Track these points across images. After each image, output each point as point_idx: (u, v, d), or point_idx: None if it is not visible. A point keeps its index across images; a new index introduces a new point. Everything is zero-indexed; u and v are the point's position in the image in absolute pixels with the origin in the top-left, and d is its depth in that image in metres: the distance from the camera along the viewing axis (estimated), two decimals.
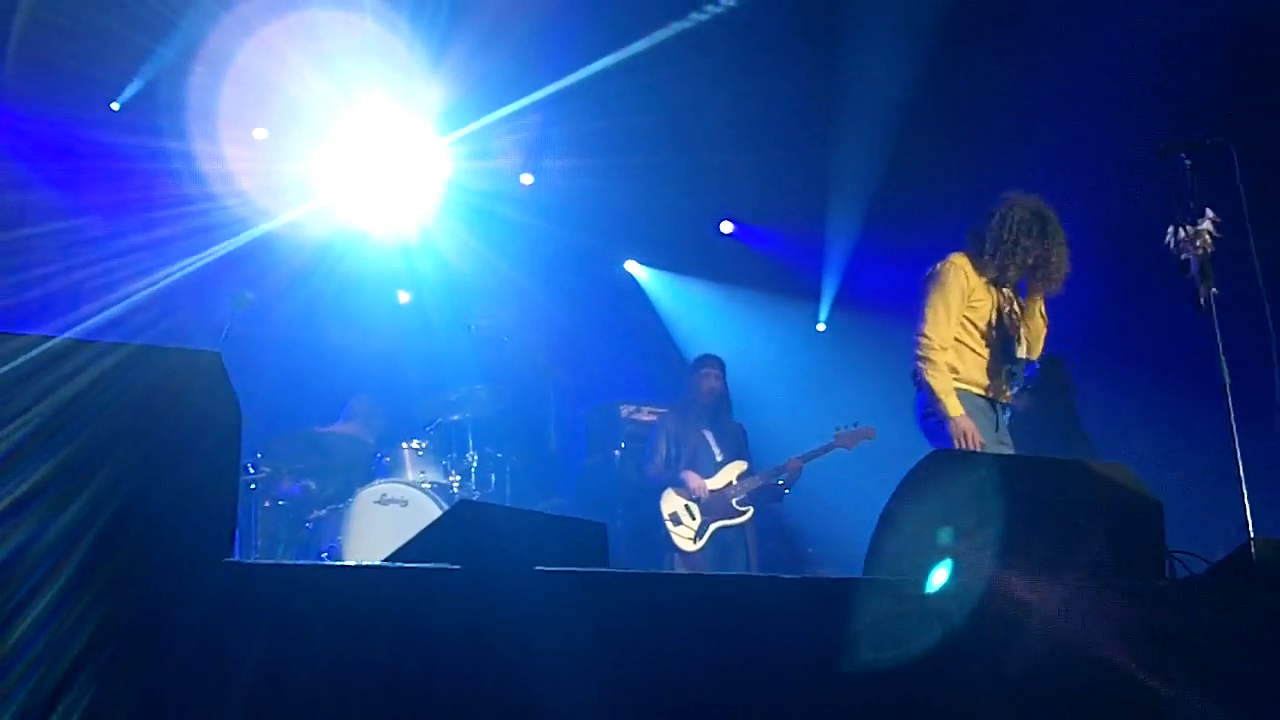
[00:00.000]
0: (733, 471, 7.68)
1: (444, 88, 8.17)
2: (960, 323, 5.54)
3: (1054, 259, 5.51)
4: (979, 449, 5.28)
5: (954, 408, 5.37)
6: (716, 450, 7.74)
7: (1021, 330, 5.57)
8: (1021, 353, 5.55)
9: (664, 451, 7.74)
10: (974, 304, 5.55)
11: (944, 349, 5.49)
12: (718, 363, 7.89)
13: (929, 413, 5.48)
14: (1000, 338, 5.56)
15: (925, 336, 5.50)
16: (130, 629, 2.31)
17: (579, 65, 8.05)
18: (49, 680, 2.20)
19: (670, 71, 8.08)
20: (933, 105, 8.27)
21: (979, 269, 5.58)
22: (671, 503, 7.56)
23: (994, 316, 5.57)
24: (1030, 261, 5.51)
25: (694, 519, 7.51)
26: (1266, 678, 3.20)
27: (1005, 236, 5.50)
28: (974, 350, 5.57)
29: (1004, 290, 5.60)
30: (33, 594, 2.23)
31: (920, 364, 5.53)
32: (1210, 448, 6.98)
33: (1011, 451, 5.56)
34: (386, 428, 8.06)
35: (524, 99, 8.26)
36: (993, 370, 5.58)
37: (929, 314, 5.53)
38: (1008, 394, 5.65)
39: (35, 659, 2.19)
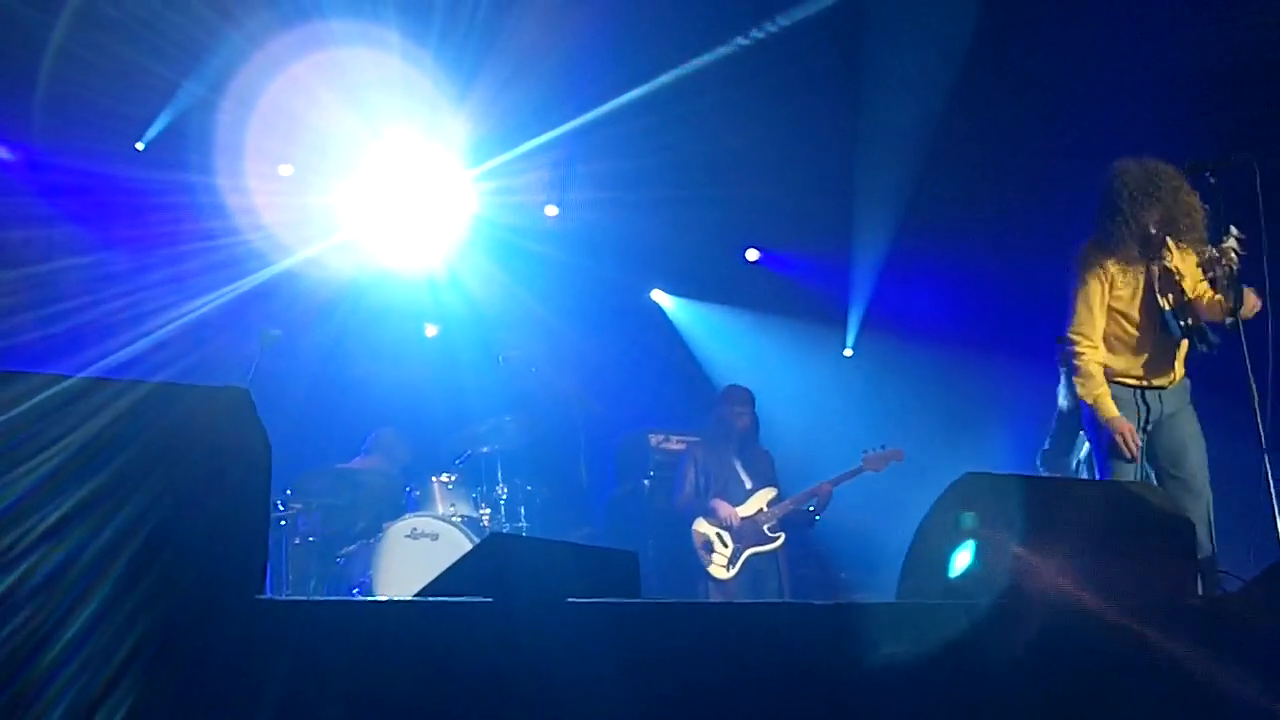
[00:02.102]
0: (763, 498, 7.67)
1: (469, 122, 8.21)
2: (1107, 314, 5.32)
3: (1180, 209, 5.12)
4: (1136, 448, 5.13)
5: (1106, 410, 5.19)
6: (745, 478, 7.73)
7: (1179, 296, 5.23)
8: (1179, 324, 5.20)
9: (693, 480, 7.74)
10: (1117, 290, 5.31)
11: (1094, 347, 5.31)
12: (747, 398, 7.89)
13: (1089, 419, 5.34)
14: (1150, 314, 5.27)
15: (1068, 337, 5.36)
16: (161, 665, 2.30)
17: (604, 98, 8.08)
18: (79, 713, 2.20)
19: (693, 103, 8.10)
20: (958, 132, 8.26)
21: (1112, 250, 5.27)
22: (703, 531, 7.55)
23: (1143, 294, 5.28)
24: (1157, 219, 5.15)
25: (726, 546, 7.50)
26: None
27: (1121, 205, 5.19)
28: (1123, 339, 5.35)
29: (1152, 263, 5.27)
30: (60, 627, 2.23)
31: (1068, 369, 5.42)
32: (1238, 464, 6.93)
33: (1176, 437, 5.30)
34: (410, 460, 8.06)
35: (548, 133, 8.30)
36: (1148, 353, 5.31)
37: (1073, 313, 5.35)
38: (1175, 372, 5.35)
39: (62, 692, 2.19)
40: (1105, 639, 3.08)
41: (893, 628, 2.99)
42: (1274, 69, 7.09)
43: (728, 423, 7.83)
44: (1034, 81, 7.95)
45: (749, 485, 7.70)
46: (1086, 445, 6.62)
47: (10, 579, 2.21)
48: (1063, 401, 6.86)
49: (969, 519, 3.11)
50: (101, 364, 7.24)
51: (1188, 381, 5.45)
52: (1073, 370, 5.34)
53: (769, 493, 7.70)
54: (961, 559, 3.04)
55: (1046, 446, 6.88)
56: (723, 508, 7.53)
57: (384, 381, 8.78)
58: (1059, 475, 6.65)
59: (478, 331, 8.90)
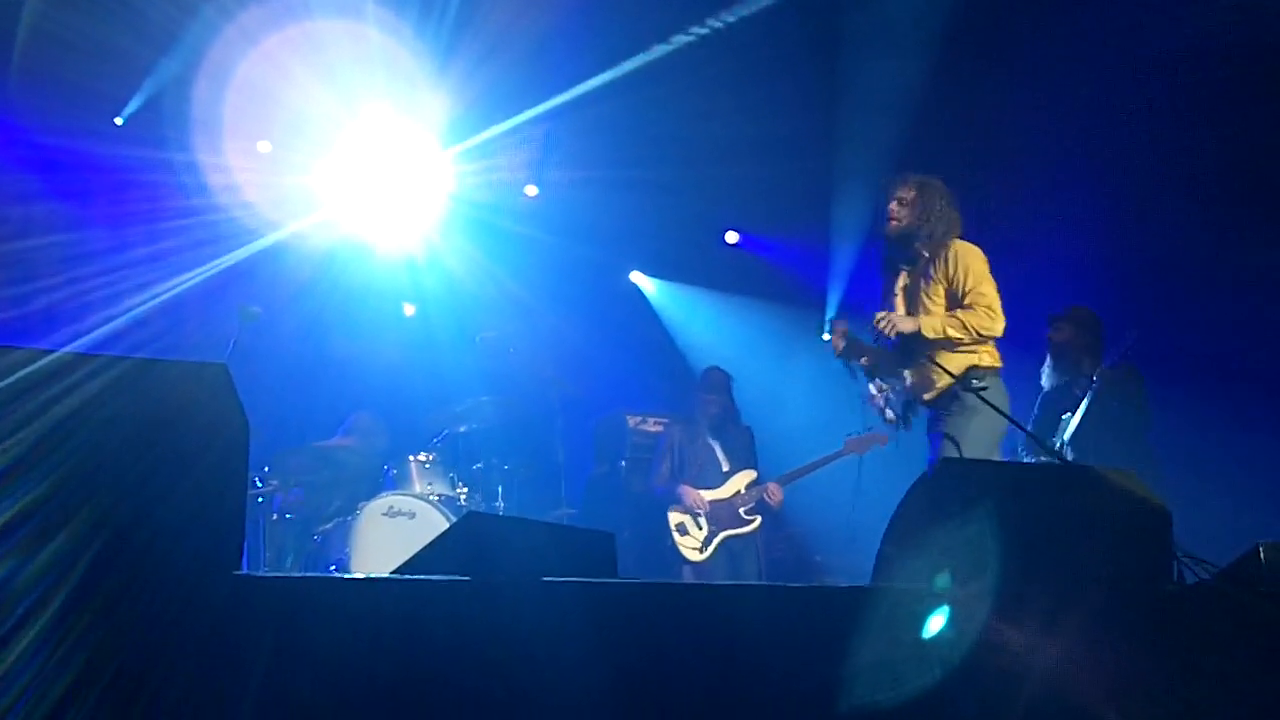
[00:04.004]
0: (741, 481, 7.68)
1: (448, 99, 8.18)
2: None
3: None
4: None
5: None
6: (724, 460, 7.74)
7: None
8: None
9: (669, 462, 7.75)
10: None
11: None
12: (720, 383, 7.89)
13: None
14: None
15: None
16: (138, 641, 2.31)
17: (584, 77, 8.05)
18: (54, 692, 2.20)
19: (674, 84, 8.07)
20: (937, 114, 8.26)
21: None
22: (677, 514, 7.57)
23: None
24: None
25: (700, 529, 7.52)
26: (1275, 683, 3.19)
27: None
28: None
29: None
30: (38, 606, 2.23)
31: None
32: (1214, 453, 6.98)
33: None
34: (386, 444, 8.05)
35: (528, 111, 8.27)
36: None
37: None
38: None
39: (40, 672, 2.19)
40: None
41: (867, 612, 3.01)
42: (1256, 46, 7.12)
43: (699, 408, 7.86)
44: (1014, 62, 7.95)
45: (726, 467, 7.72)
46: (1072, 426, 6.67)
47: None
48: (1046, 381, 6.91)
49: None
50: (80, 341, 7.20)
51: None
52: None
53: (747, 475, 7.71)
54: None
55: (1030, 429, 6.90)
56: (689, 494, 7.56)
57: (362, 360, 8.75)
58: (1040, 459, 6.68)
59: (456, 311, 8.89)
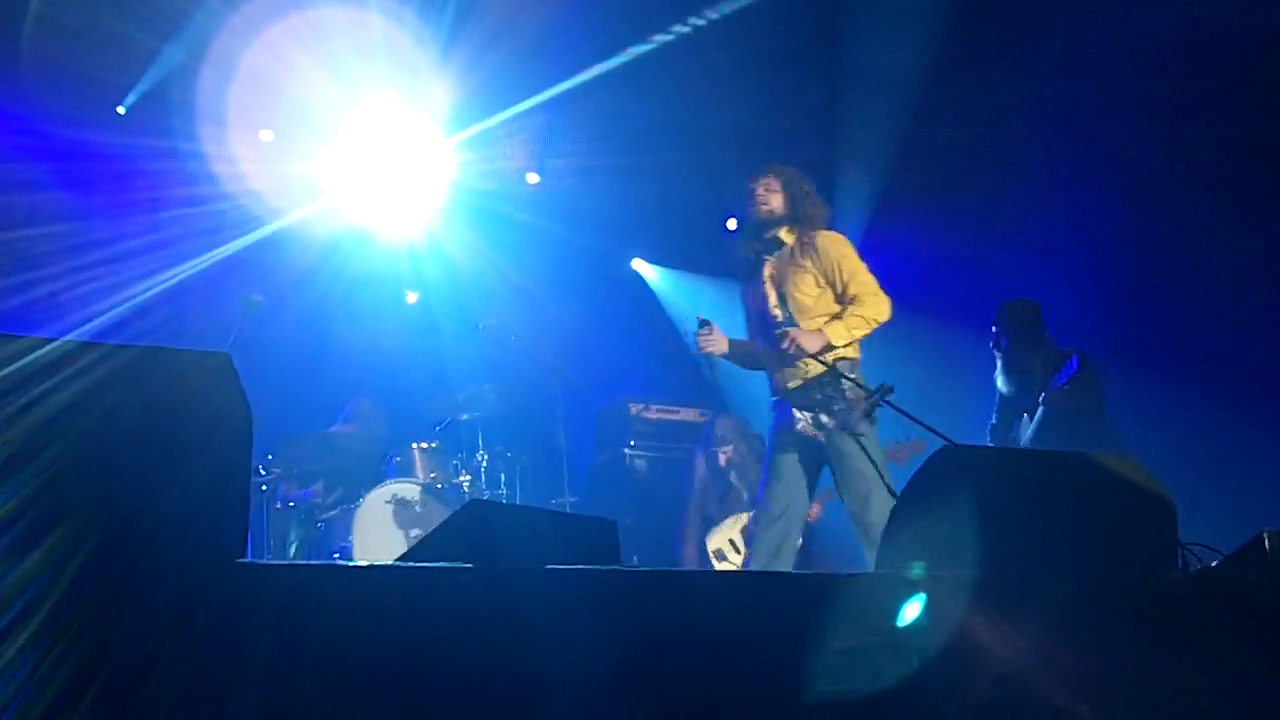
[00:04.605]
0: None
1: (450, 87, 8.17)
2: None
3: None
4: None
5: None
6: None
7: None
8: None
9: (702, 483, 7.79)
10: None
11: None
12: (735, 431, 7.91)
13: None
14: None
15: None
16: (140, 630, 2.31)
17: (586, 65, 8.04)
18: (55, 685, 2.21)
19: (675, 71, 8.08)
20: (940, 100, 8.26)
21: None
22: (716, 539, 7.56)
23: None
24: None
25: (739, 554, 7.49)
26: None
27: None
28: None
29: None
30: (39, 597, 2.23)
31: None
32: (1218, 440, 6.97)
33: None
34: (386, 431, 8.06)
35: (530, 99, 8.26)
36: None
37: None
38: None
39: (40, 664, 2.19)
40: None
41: (867, 598, 3.02)
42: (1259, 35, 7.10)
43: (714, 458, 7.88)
44: (1018, 50, 7.94)
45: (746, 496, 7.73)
46: (1028, 433, 6.63)
47: None
48: (1001, 387, 6.85)
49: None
50: (83, 330, 7.21)
51: None
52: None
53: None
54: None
55: (994, 422, 6.90)
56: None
57: (364, 348, 8.77)
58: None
59: (457, 299, 8.89)
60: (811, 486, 5.69)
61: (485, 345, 8.19)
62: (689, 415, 8.80)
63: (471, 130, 8.52)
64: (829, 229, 5.82)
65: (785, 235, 5.73)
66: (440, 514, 6.78)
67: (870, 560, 5.15)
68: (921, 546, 3.34)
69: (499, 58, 7.77)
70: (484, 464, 7.67)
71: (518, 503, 7.48)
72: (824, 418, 5.51)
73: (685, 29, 7.77)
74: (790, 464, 5.61)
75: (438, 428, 7.74)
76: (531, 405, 8.32)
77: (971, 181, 8.79)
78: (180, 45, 7.59)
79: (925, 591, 3.01)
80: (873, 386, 5.37)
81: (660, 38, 7.79)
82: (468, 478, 7.49)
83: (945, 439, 4.53)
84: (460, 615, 2.62)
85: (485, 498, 7.39)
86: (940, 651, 2.98)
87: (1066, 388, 6.31)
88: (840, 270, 5.60)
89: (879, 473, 5.37)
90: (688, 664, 2.80)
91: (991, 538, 3.20)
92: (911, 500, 3.48)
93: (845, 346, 5.54)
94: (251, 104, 7.99)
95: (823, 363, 5.46)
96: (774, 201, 5.76)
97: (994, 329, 6.77)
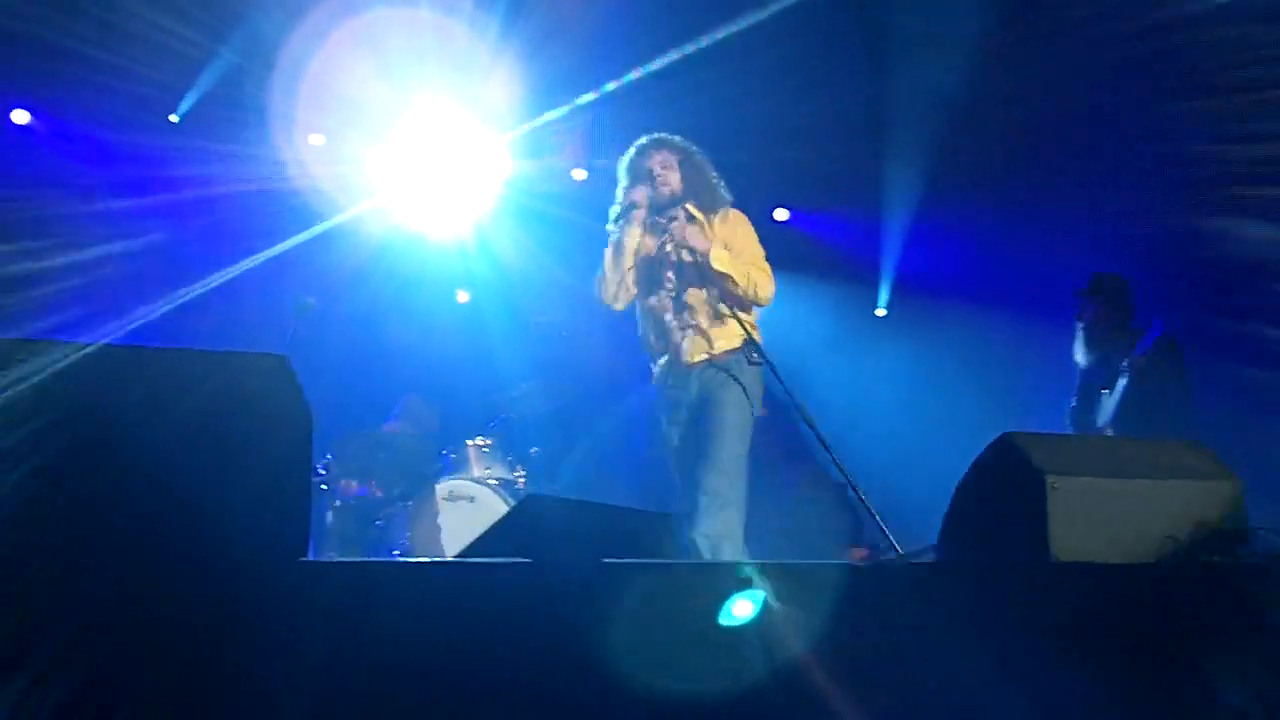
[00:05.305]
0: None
1: (501, 86, 8.19)
2: None
3: None
4: None
5: None
6: None
7: None
8: None
9: None
10: None
11: None
12: None
13: None
14: None
15: None
16: (207, 628, 2.34)
17: (633, 64, 8.04)
18: (125, 679, 2.24)
19: (721, 68, 8.02)
20: (989, 88, 8.18)
21: None
22: None
23: None
24: None
25: None
26: None
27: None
28: None
29: None
30: (106, 595, 2.26)
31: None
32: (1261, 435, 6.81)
33: None
34: (436, 427, 8.10)
35: (578, 98, 8.26)
36: None
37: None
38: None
39: (111, 653, 2.23)
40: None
41: (931, 586, 3.00)
42: None
43: None
44: (1066, 31, 7.85)
45: None
46: (1110, 408, 6.57)
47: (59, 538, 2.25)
48: (1080, 359, 6.79)
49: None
50: (143, 335, 7.32)
51: None
52: None
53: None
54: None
55: (1074, 404, 6.81)
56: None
57: (416, 346, 8.82)
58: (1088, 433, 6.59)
59: (508, 297, 8.91)
60: None
61: (537, 342, 8.21)
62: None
63: (521, 129, 8.53)
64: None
65: (692, 210, 5.62)
66: (496, 510, 6.81)
67: None
68: (982, 534, 3.32)
69: (550, 56, 7.79)
70: (538, 459, 7.70)
71: (572, 497, 7.49)
72: None
73: (732, 28, 7.74)
74: None
75: (491, 424, 7.77)
76: (584, 400, 8.33)
77: (1019, 164, 8.71)
78: (234, 49, 7.67)
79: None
80: None
81: (707, 37, 7.76)
82: (523, 473, 7.52)
83: None
84: (520, 610, 2.63)
85: (540, 493, 7.42)
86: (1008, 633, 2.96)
87: (1151, 352, 6.25)
88: (745, 242, 5.57)
89: None
90: (743, 655, 2.79)
91: (1055, 525, 3.18)
92: (973, 487, 3.45)
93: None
94: (304, 107, 8.06)
95: (745, 328, 5.41)
96: (674, 181, 5.64)
97: (1079, 300, 6.70)
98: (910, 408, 8.39)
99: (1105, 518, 3.26)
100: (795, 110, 8.57)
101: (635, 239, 5.51)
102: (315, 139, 8.54)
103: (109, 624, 2.25)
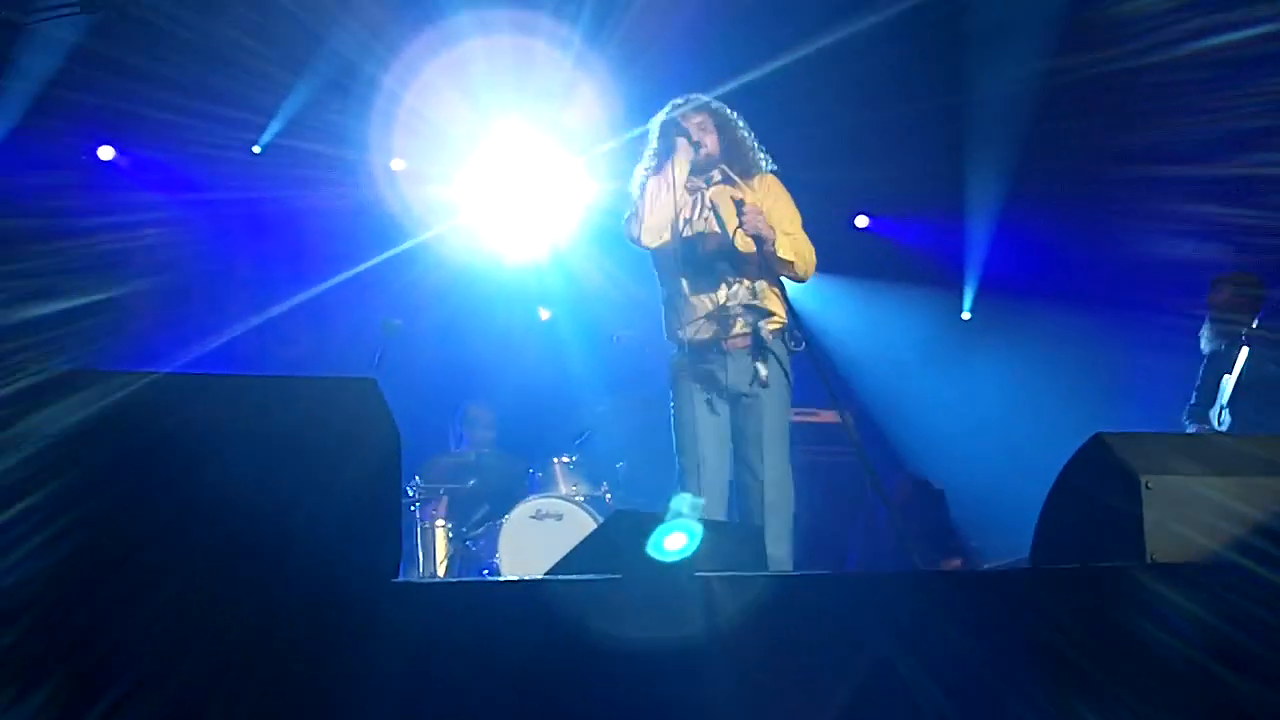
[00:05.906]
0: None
1: (579, 109, 8.25)
2: None
3: None
4: None
5: None
6: None
7: None
8: None
9: None
10: None
11: None
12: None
13: None
14: None
15: None
16: (300, 654, 2.37)
17: (713, 83, 8.05)
18: (218, 694, 2.27)
19: (801, 85, 8.00)
20: (1070, 87, 8.06)
21: None
22: None
23: None
24: None
25: None
26: None
27: None
28: None
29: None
30: (207, 612, 2.30)
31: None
32: None
33: None
34: (494, 434, 8.13)
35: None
36: None
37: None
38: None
39: (203, 672, 2.26)
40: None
41: (1030, 595, 2.94)
42: None
43: None
44: (1145, 33, 7.71)
45: None
46: (1228, 389, 6.45)
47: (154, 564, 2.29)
48: (1204, 345, 6.70)
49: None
50: (228, 364, 7.47)
51: None
52: None
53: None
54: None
55: (1193, 400, 6.72)
56: None
57: (500, 365, 8.89)
58: (1201, 428, 6.49)
59: (589, 313, 8.95)
60: None
61: (620, 358, 8.23)
62: (826, 417, 8.71)
63: (599, 149, 8.58)
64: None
65: (730, 170, 5.43)
66: (584, 526, 6.83)
67: None
68: (1076, 538, 3.26)
69: (630, 78, 7.83)
70: (624, 474, 7.71)
71: (660, 512, 7.48)
72: None
73: (811, 47, 7.71)
74: None
75: (577, 441, 7.80)
76: (669, 415, 8.33)
77: (1105, 159, 8.57)
78: (317, 75, 7.80)
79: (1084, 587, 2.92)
80: None
81: (787, 56, 7.74)
82: (609, 489, 7.54)
83: None
84: (612, 625, 2.63)
85: (628, 508, 7.42)
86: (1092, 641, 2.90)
87: (1272, 325, 6.24)
88: (786, 208, 5.40)
89: None
90: (836, 666, 2.77)
91: (1151, 527, 3.11)
92: (1067, 491, 3.39)
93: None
94: (387, 132, 8.19)
95: (790, 312, 5.43)
96: (712, 144, 5.39)
97: (1214, 286, 6.65)
98: (1004, 411, 8.26)
99: (1203, 517, 3.17)
100: (875, 117, 8.52)
101: (670, 190, 5.29)
102: (396, 164, 8.66)
103: (201, 649, 2.28)
